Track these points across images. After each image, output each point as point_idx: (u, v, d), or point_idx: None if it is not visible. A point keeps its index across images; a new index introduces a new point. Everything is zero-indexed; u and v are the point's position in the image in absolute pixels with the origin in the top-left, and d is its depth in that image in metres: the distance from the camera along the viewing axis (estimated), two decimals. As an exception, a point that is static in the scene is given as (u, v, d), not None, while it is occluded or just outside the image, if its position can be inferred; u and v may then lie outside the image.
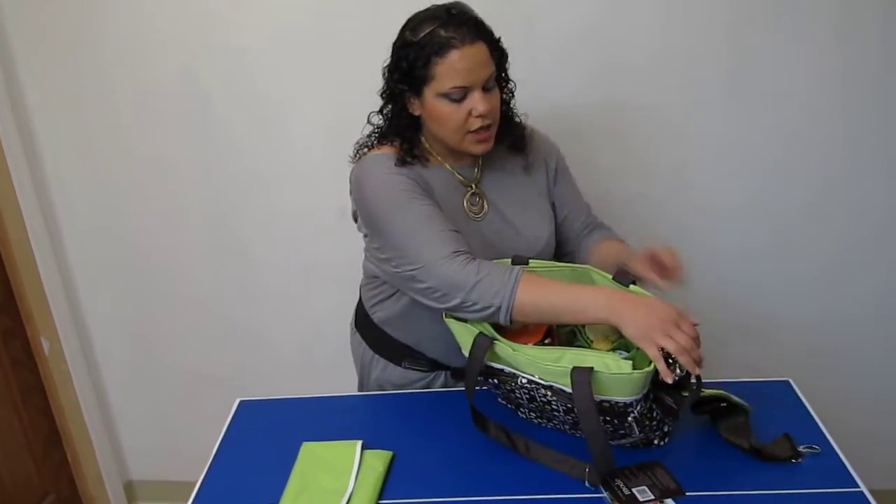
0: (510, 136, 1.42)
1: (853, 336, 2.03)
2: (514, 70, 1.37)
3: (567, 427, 1.27)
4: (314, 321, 2.13)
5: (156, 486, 2.44)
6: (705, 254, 1.95)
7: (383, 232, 1.32)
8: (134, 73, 1.90)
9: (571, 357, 1.16)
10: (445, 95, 1.27)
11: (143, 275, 2.15)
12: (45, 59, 1.91)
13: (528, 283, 1.21)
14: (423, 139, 1.39)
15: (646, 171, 1.90)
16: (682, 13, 1.73)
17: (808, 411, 1.33)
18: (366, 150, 1.40)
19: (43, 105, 1.96)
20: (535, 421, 1.32)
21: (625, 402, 1.13)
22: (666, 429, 1.23)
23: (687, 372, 1.13)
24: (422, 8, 1.31)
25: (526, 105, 1.44)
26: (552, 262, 1.41)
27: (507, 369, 1.23)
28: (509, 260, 1.33)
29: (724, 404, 1.26)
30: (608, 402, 1.14)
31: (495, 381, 1.27)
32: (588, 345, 1.32)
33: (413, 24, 1.29)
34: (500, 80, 1.35)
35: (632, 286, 1.25)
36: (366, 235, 1.42)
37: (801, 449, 1.20)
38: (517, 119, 1.44)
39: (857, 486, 1.14)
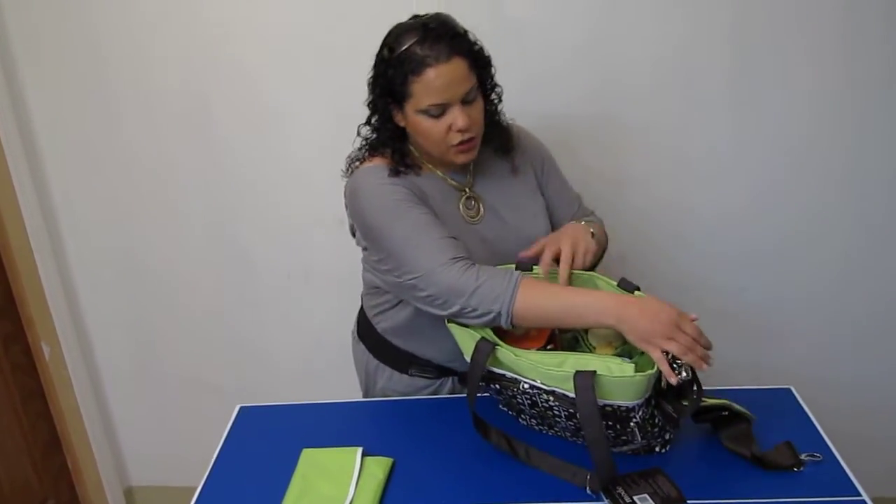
0: (497, 139, 1.42)
1: (855, 344, 2.02)
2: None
3: (568, 434, 1.26)
4: (315, 328, 2.13)
5: (156, 492, 2.44)
6: (706, 262, 1.95)
7: (381, 243, 1.32)
8: (135, 82, 1.91)
9: (574, 362, 1.16)
10: (424, 111, 1.28)
11: (144, 281, 2.15)
12: (47, 70, 1.91)
13: (528, 287, 1.21)
14: (412, 148, 1.39)
15: (646, 179, 1.90)
16: (684, 17, 1.73)
17: (809, 419, 1.32)
18: (358, 163, 1.41)
19: (45, 115, 1.97)
20: (536, 427, 1.31)
21: (627, 407, 1.13)
22: (667, 436, 1.22)
23: (689, 378, 1.13)
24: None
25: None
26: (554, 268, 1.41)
27: (509, 374, 1.23)
28: (513, 266, 1.33)
29: (727, 413, 1.25)
30: (611, 406, 1.14)
31: (497, 386, 1.27)
32: (591, 351, 1.31)
33: (392, 38, 1.29)
34: (485, 87, 1.35)
35: (636, 292, 1.25)
36: (365, 248, 1.42)
37: (802, 457, 1.20)
38: (504, 123, 1.44)
39: (859, 495, 1.14)
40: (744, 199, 1.89)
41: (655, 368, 1.12)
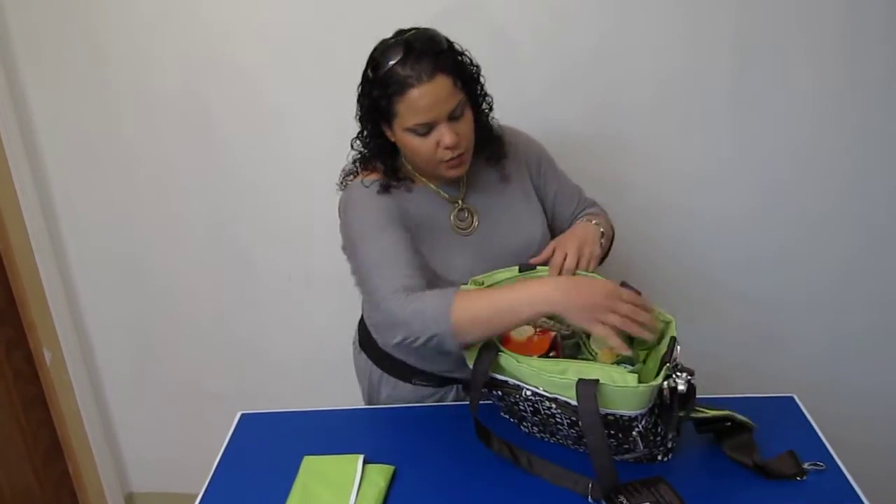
0: (489, 148, 1.41)
1: (859, 351, 2.01)
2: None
3: (570, 441, 1.26)
4: (316, 332, 2.13)
5: (157, 499, 2.43)
6: (709, 267, 1.94)
7: (353, 259, 1.36)
8: (136, 82, 1.91)
9: (576, 369, 1.16)
10: (411, 130, 1.28)
11: (146, 286, 2.15)
12: (48, 70, 1.92)
13: (461, 300, 1.20)
14: (404, 160, 1.39)
15: (646, 182, 1.89)
16: (684, 18, 1.73)
17: (812, 428, 1.32)
18: (351, 177, 1.42)
19: (46, 115, 1.97)
20: (537, 435, 1.31)
21: (630, 416, 1.13)
22: (670, 444, 1.22)
23: (688, 386, 1.12)
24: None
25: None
26: None
27: (512, 381, 1.22)
28: (517, 267, 1.34)
29: (729, 423, 1.25)
30: (613, 415, 1.13)
31: (499, 392, 1.26)
32: (593, 357, 1.31)
33: (375, 56, 1.28)
34: (474, 98, 1.34)
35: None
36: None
37: (805, 466, 1.19)
38: (496, 131, 1.43)
39: (863, 504, 1.13)
40: (745, 202, 1.88)
41: (659, 379, 1.11)
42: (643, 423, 1.14)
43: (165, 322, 2.19)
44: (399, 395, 1.51)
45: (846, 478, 1.19)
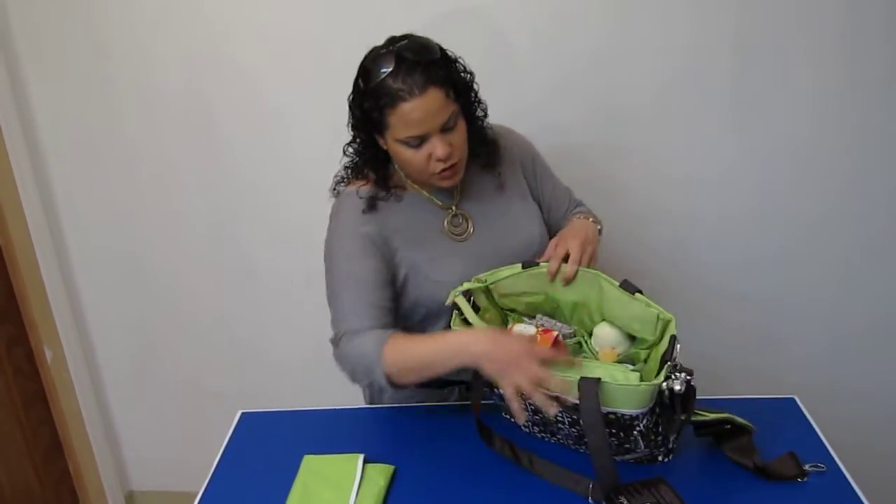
0: (484, 155, 1.41)
1: (859, 352, 2.01)
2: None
3: (571, 441, 1.26)
4: (316, 332, 2.10)
5: (157, 497, 2.43)
6: (709, 268, 1.94)
7: (327, 275, 1.36)
8: (137, 80, 1.91)
9: (578, 368, 1.15)
10: (404, 142, 1.27)
11: (147, 284, 2.15)
12: (50, 67, 1.92)
13: (391, 347, 1.23)
14: (396, 168, 1.39)
15: (646, 183, 1.89)
16: (684, 19, 1.73)
17: (813, 429, 1.31)
18: (343, 184, 1.41)
19: (48, 112, 1.97)
20: (538, 435, 1.31)
21: (631, 415, 1.13)
22: (670, 445, 1.22)
23: (687, 386, 1.12)
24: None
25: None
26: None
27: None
28: (519, 265, 1.34)
29: (729, 426, 1.25)
30: (614, 414, 1.13)
31: (501, 392, 1.26)
32: (594, 357, 1.31)
33: (368, 62, 1.27)
34: (468, 106, 1.33)
35: (637, 295, 1.25)
36: None
37: (806, 468, 1.19)
38: (491, 137, 1.42)
39: (863, 506, 1.13)
40: (745, 202, 1.89)
41: (661, 378, 1.11)
42: (644, 422, 1.14)
43: (166, 321, 2.19)
44: (402, 396, 1.50)
45: (847, 479, 1.18)
